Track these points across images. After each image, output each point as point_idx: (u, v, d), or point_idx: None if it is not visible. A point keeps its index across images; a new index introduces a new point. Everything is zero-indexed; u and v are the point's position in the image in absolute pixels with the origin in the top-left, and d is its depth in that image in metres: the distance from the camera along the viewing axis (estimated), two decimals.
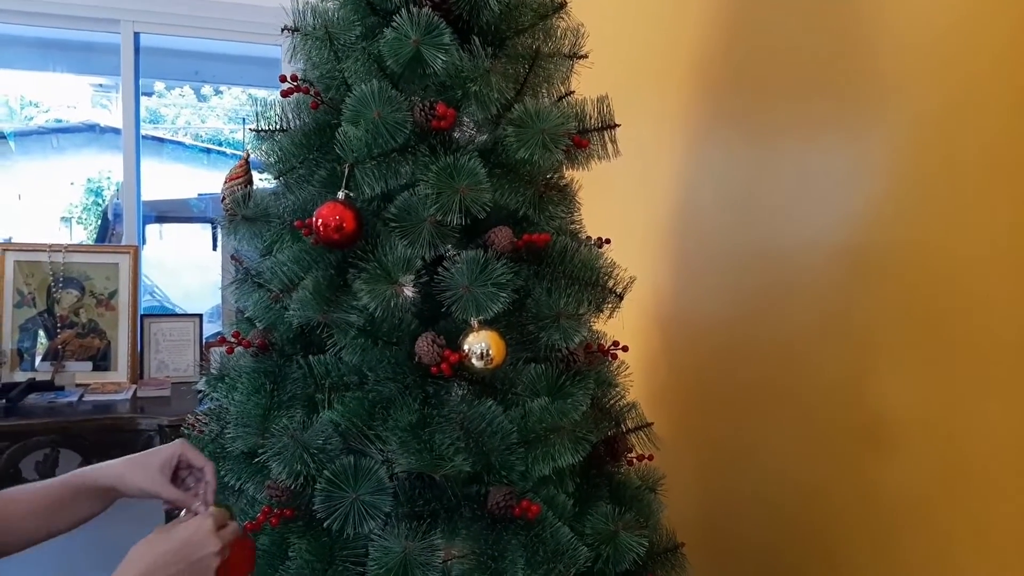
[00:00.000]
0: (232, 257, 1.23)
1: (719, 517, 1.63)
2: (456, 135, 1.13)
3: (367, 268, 1.02)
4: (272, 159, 1.13)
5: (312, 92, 1.13)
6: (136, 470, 0.98)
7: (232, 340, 1.17)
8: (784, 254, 1.46)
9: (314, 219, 1.03)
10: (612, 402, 1.23)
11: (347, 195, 1.05)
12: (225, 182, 1.18)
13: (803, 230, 1.41)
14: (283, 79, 1.14)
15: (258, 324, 1.17)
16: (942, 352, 1.14)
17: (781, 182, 1.48)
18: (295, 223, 1.07)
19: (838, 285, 1.32)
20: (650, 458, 1.25)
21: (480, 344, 1.03)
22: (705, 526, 1.59)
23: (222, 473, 1.13)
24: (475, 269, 1.03)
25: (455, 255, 1.06)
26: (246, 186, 1.17)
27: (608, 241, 1.27)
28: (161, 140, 5.53)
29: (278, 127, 1.16)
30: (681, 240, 1.79)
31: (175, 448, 1.01)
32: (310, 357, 1.10)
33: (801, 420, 1.40)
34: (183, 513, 0.98)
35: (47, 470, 1.98)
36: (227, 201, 1.15)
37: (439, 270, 1.05)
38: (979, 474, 1.08)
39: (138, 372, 2.36)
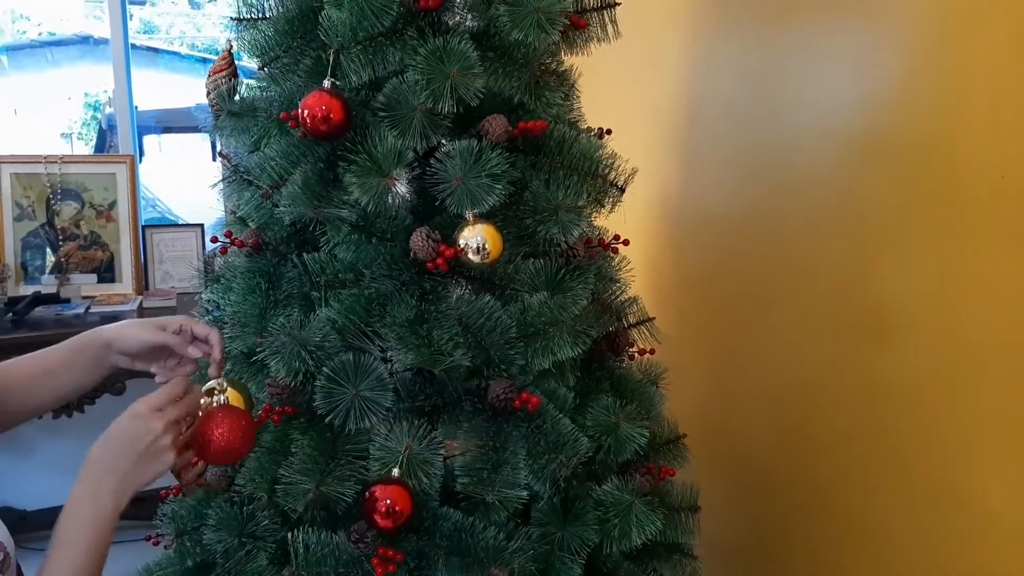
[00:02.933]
0: (220, 154, 1.20)
1: (721, 410, 1.64)
2: (447, 18, 1.07)
3: (357, 161, 0.99)
4: (255, 49, 1.08)
5: None
6: (135, 325, 0.97)
7: (225, 240, 1.14)
8: (792, 146, 1.41)
9: (300, 110, 0.99)
10: (613, 297, 1.21)
11: (333, 84, 1.00)
12: (209, 76, 1.13)
13: (811, 120, 1.36)
14: None
15: (251, 223, 1.15)
16: (945, 242, 1.10)
17: (791, 73, 1.41)
18: (281, 115, 1.03)
19: (844, 176, 1.28)
20: (652, 352, 1.24)
21: (476, 238, 1.00)
22: (707, 418, 1.60)
23: None
24: (468, 160, 0.99)
25: (448, 146, 1.02)
26: (231, 79, 1.12)
27: (609, 132, 1.22)
28: (156, 50, 5.38)
29: (260, 15, 1.11)
30: (687, 132, 1.73)
31: (179, 318, 1.00)
32: (304, 255, 1.08)
33: (804, 312, 1.39)
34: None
35: None
36: (212, 96, 1.11)
37: (431, 162, 1.02)
38: (977, 362, 1.07)
39: (143, 283, 2.36)
